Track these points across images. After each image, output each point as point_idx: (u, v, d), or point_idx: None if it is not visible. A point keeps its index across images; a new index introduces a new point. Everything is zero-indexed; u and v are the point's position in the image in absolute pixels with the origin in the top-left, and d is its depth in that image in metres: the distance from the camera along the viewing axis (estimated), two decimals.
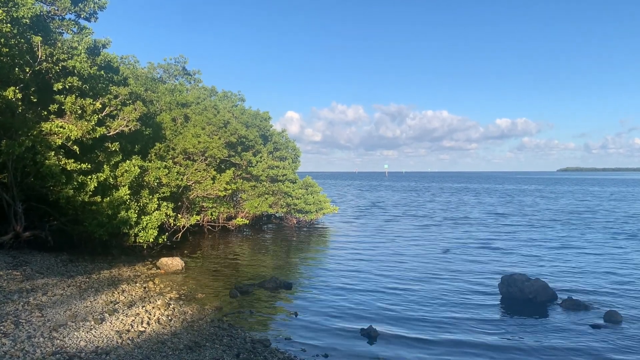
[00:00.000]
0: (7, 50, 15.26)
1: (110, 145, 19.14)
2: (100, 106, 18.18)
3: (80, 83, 17.61)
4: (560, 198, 69.82)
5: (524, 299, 14.92)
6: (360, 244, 27.17)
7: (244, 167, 30.89)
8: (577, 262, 21.61)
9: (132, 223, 17.75)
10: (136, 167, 18.93)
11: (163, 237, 19.43)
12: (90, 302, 12.16)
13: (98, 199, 17.11)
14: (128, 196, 17.94)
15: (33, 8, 15.80)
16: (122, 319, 11.15)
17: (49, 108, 17.36)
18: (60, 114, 17.71)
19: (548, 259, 22.41)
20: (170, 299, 14.09)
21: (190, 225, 23.36)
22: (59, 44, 17.64)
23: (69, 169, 16.52)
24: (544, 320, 13.56)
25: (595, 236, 29.82)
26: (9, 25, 14.81)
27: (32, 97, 16.98)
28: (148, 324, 11.20)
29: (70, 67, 17.29)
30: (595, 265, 20.87)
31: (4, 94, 15.06)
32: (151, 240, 18.46)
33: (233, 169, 28.11)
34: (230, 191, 26.16)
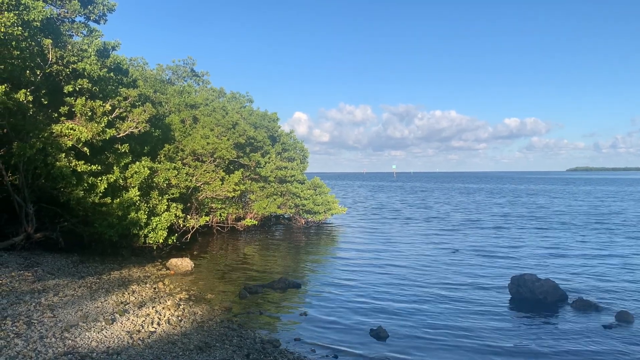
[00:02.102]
0: (19, 53, 15.40)
1: (120, 147, 19.26)
2: (109, 108, 18.29)
3: (90, 85, 17.74)
4: (571, 198, 69.30)
5: (534, 299, 14.83)
6: (368, 244, 27.13)
7: (252, 168, 30.97)
8: (587, 262, 21.44)
9: (142, 224, 17.86)
10: (146, 169, 19.03)
11: (172, 238, 19.53)
12: (101, 302, 12.23)
13: (108, 200, 17.22)
14: (138, 197, 18.05)
15: (43, 11, 15.94)
16: (133, 320, 11.21)
17: (60, 110, 17.50)
18: (71, 116, 17.85)
19: (558, 259, 22.25)
20: (180, 299, 14.15)
21: (200, 226, 23.44)
22: (69, 47, 17.78)
23: (79, 170, 16.64)
24: (554, 320, 13.47)
25: (605, 236, 29.58)
26: (20, 28, 14.95)
27: (42, 99, 17.12)
28: (158, 324, 11.25)
29: (80, 70, 17.41)
30: (606, 265, 20.70)
31: (15, 96, 15.20)
32: (161, 241, 18.56)
33: (242, 170, 28.20)
34: (238, 192, 26.22)
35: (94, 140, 17.58)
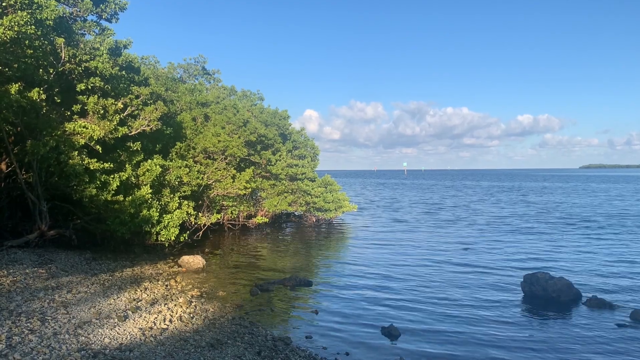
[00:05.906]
0: (32, 52, 15.53)
1: (132, 145, 19.38)
2: (121, 106, 18.40)
3: (102, 83, 17.85)
4: (584, 196, 68.60)
5: (547, 297, 14.69)
6: (379, 242, 27.05)
7: (263, 166, 31.02)
8: (601, 260, 21.19)
9: (154, 221, 17.96)
10: (157, 166, 19.13)
11: (184, 235, 19.62)
12: (114, 299, 12.32)
13: (120, 197, 17.33)
14: (150, 195, 18.15)
15: (56, 10, 16.04)
16: (145, 317, 11.27)
17: (72, 108, 17.64)
18: (83, 114, 17.98)
19: (571, 257, 22.03)
20: (192, 296, 14.20)
21: (211, 223, 23.54)
22: (82, 45, 17.90)
23: (92, 168, 16.77)
24: (568, 319, 13.33)
25: (619, 235, 29.22)
26: (33, 27, 15.06)
27: (55, 97, 17.26)
28: (170, 321, 11.30)
29: (93, 68, 17.53)
30: (620, 263, 20.45)
31: (28, 95, 15.34)
32: (172, 238, 18.66)
33: (253, 167, 28.24)
34: (250, 190, 26.28)
35: (107, 138, 17.69)
